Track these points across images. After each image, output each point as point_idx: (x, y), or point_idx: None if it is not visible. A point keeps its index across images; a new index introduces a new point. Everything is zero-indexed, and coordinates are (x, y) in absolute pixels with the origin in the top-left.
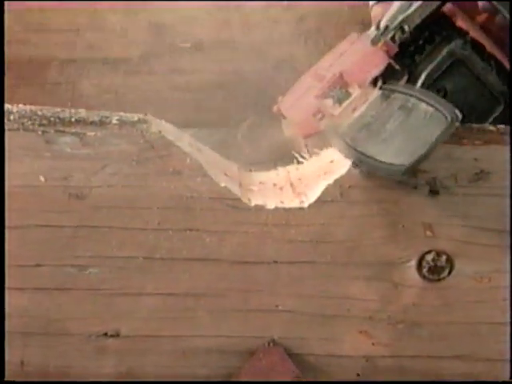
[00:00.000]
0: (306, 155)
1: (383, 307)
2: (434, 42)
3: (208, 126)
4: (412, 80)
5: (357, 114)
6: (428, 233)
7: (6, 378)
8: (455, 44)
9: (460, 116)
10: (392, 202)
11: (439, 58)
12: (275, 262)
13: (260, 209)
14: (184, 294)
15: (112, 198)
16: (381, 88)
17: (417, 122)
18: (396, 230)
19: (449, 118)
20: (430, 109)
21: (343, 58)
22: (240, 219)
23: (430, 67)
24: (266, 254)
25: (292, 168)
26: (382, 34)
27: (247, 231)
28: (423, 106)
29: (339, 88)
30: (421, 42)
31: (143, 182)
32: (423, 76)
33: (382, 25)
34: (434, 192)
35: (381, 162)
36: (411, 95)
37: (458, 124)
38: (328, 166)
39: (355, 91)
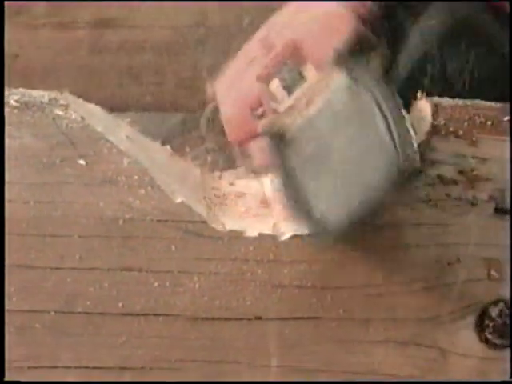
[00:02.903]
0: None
1: None
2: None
3: (156, 108)
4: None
5: (312, 110)
6: (493, 273)
7: None
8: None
9: (416, 158)
10: (437, 225)
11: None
12: (259, 318)
13: (236, 237)
14: (118, 368)
15: (9, 221)
16: (347, 71)
17: (364, 146)
18: (443, 270)
19: (399, 155)
20: (386, 135)
21: (299, 16)
22: (206, 253)
23: (421, 32)
24: (244, 305)
25: None
26: None
27: (217, 271)
28: (378, 120)
29: (291, 66)
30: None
31: (57, 196)
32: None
33: None
34: (502, 211)
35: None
36: (373, 95)
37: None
38: None
39: (311, 74)
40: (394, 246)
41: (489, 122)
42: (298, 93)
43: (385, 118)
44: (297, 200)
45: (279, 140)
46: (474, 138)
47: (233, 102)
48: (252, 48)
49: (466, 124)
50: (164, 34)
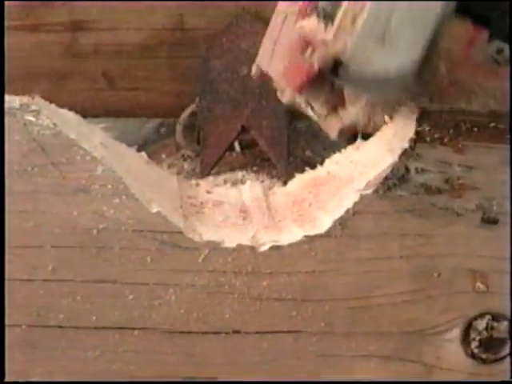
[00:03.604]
0: (313, 116)
1: None
2: None
3: (130, 114)
4: None
5: (359, 23)
6: (479, 285)
7: None
8: None
9: None
10: (422, 236)
11: None
12: (237, 331)
13: (214, 248)
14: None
15: None
16: None
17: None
18: (428, 282)
19: None
20: None
21: None
22: (182, 265)
23: None
24: (222, 319)
25: (266, 181)
26: None
27: (194, 283)
28: None
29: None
30: None
31: (28, 205)
32: None
33: None
34: (488, 221)
35: (383, 70)
36: None
37: None
38: (323, 179)
39: None
40: (377, 257)
41: (475, 129)
42: (339, 15)
43: None
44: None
45: (341, 66)
46: (460, 145)
47: (280, 56)
48: (281, 10)
49: (451, 130)
50: (139, 37)
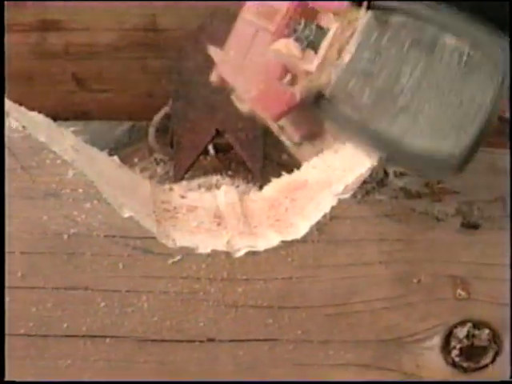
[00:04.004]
0: (290, 146)
1: None
2: None
3: (102, 117)
4: None
5: (346, 59)
6: (460, 292)
7: None
8: None
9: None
10: (401, 241)
11: None
12: (211, 340)
13: (188, 254)
14: None
15: None
16: (370, 8)
17: (448, 71)
18: (408, 288)
19: (501, 60)
20: (464, 45)
21: None
22: (155, 271)
23: None
24: (196, 327)
25: (242, 186)
26: None
27: (167, 290)
28: (450, 39)
29: (305, 23)
30: None
31: None
32: None
33: None
34: (469, 226)
35: (412, 147)
36: (425, 18)
37: None
38: (300, 183)
39: (331, 23)
40: (355, 263)
41: None
42: (324, 46)
43: (442, 27)
44: (383, 147)
45: (323, 99)
46: None
47: (254, 78)
48: (248, 23)
49: None
50: (111, 38)
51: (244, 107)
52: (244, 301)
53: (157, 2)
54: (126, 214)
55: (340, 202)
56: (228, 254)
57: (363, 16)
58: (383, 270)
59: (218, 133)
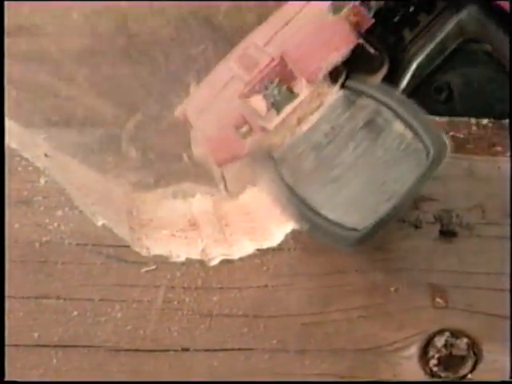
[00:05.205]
0: (223, 191)
1: None
2: (434, 10)
3: (73, 123)
4: (398, 71)
5: (304, 128)
6: (438, 300)
7: None
8: (468, 14)
9: (447, 149)
10: (378, 249)
11: (441, 36)
12: (185, 349)
13: (162, 262)
14: None
15: None
16: (343, 87)
17: (386, 153)
18: (385, 297)
19: (431, 154)
20: (408, 134)
21: (288, 30)
22: (129, 280)
23: (425, 52)
24: (171, 336)
25: (217, 195)
26: None
27: (141, 299)
28: (399, 126)
29: (278, 83)
30: (412, 10)
31: None
32: (414, 66)
33: None
34: (447, 234)
35: (325, 219)
36: (385, 104)
37: (444, 160)
38: None
39: (302, 90)
40: (331, 272)
41: None
42: (287, 110)
43: (396, 114)
44: (308, 217)
45: (269, 159)
46: None
47: (213, 121)
48: (228, 67)
49: None
50: (82, 42)
51: (196, 150)
52: (219, 310)
53: (130, 6)
54: (99, 222)
55: None
56: (203, 263)
57: (335, 92)
58: (360, 279)
59: None
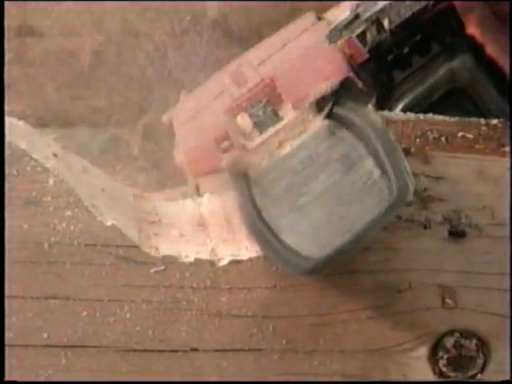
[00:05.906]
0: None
1: None
2: (428, 53)
3: (84, 123)
4: (383, 109)
5: (283, 152)
6: (448, 301)
7: None
8: (460, 62)
9: (412, 191)
10: (387, 249)
11: (431, 81)
12: (195, 349)
13: (171, 262)
14: None
15: None
16: (329, 115)
17: (352, 188)
18: (393, 298)
19: (394, 194)
20: (377, 171)
21: (283, 53)
22: (138, 280)
23: (413, 93)
24: (180, 336)
25: (225, 194)
26: (345, 27)
27: (150, 299)
28: (369, 163)
29: (265, 103)
30: (406, 51)
31: None
32: (400, 106)
33: (350, 12)
34: (456, 234)
35: (282, 244)
36: (364, 138)
37: (410, 200)
38: None
39: (288, 114)
40: (341, 272)
41: (443, 138)
42: (270, 131)
43: (369, 151)
44: (266, 239)
45: (243, 178)
46: (426, 156)
47: (196, 132)
48: (220, 81)
49: (418, 140)
50: (91, 43)
51: (177, 157)
52: (228, 310)
53: (137, 6)
54: (108, 223)
55: None
56: (212, 263)
57: (319, 121)
58: (369, 279)
59: None
